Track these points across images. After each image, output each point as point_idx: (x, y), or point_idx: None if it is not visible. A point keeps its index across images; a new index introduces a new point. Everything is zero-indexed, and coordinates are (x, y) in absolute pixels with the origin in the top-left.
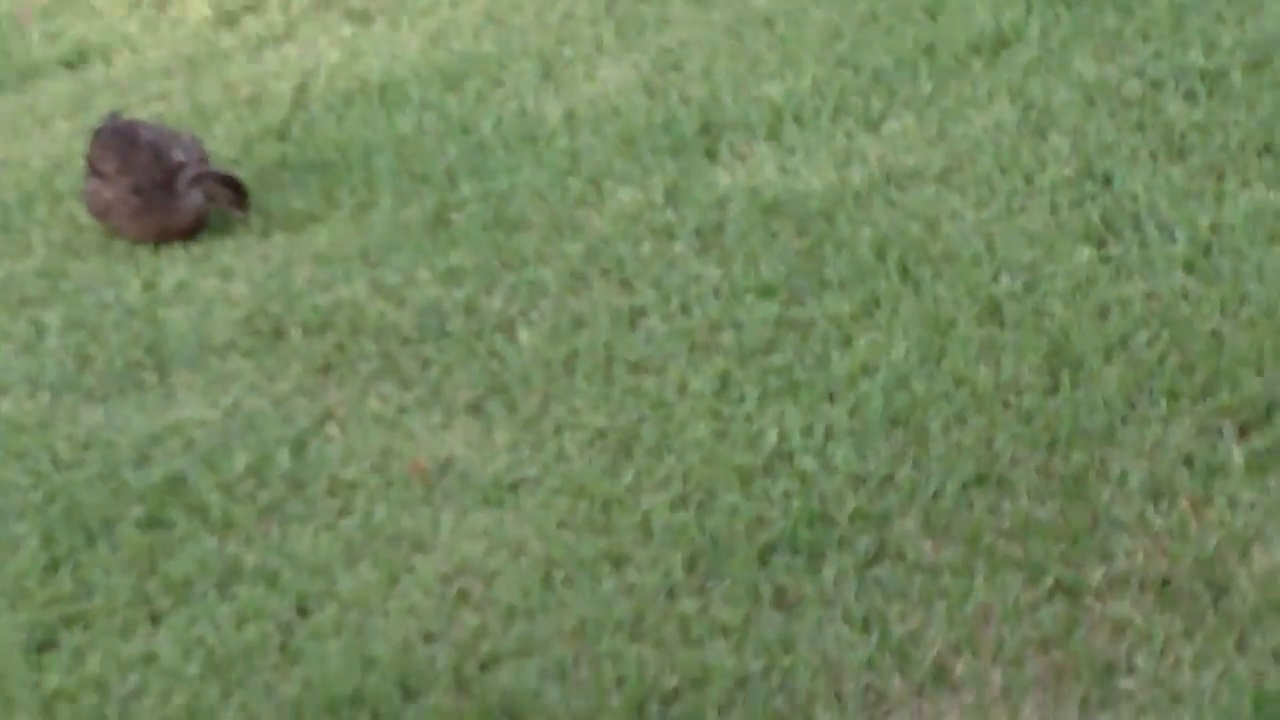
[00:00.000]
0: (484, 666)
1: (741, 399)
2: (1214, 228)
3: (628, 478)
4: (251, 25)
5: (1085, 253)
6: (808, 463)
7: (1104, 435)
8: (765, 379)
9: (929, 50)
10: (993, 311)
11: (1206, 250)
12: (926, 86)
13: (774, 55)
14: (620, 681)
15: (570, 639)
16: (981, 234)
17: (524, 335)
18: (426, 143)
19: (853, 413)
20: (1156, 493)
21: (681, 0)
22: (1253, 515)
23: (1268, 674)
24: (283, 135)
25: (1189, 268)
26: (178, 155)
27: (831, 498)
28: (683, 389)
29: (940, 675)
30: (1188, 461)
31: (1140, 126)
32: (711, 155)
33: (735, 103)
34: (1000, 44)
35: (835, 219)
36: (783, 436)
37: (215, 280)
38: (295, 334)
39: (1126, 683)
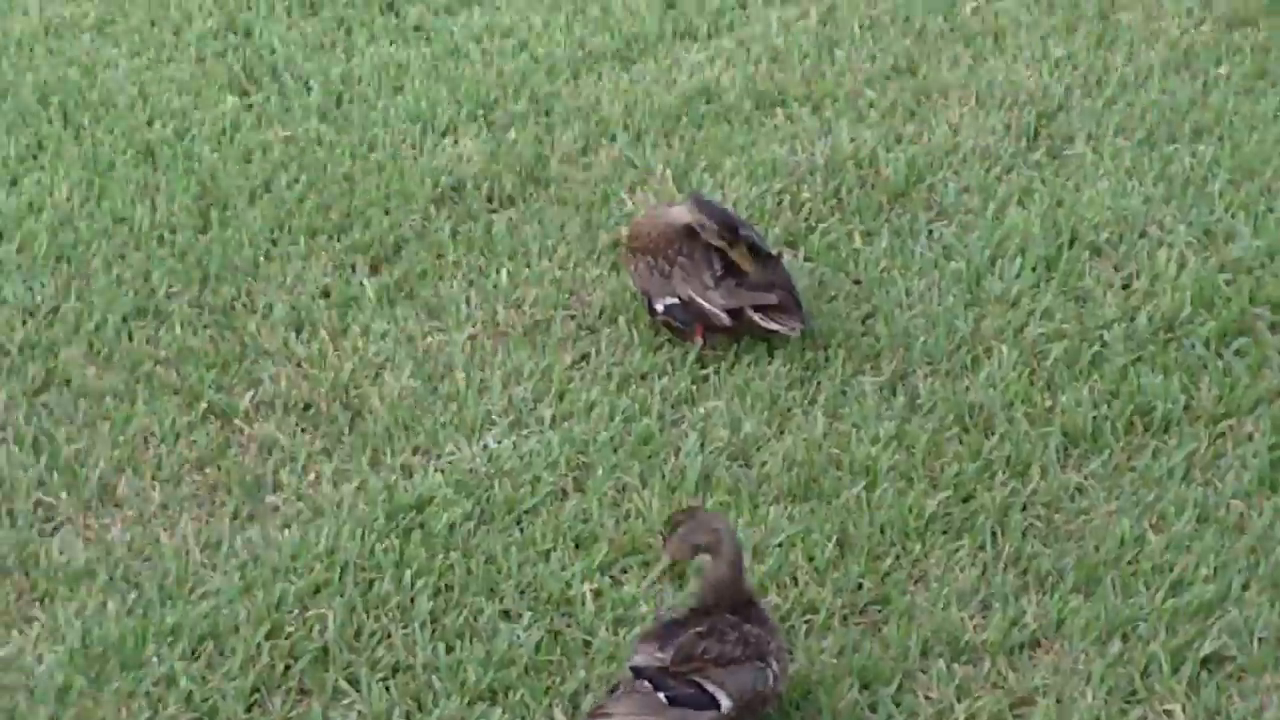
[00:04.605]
0: None
1: None
2: (344, 78)
3: None
4: None
5: (230, 101)
6: None
7: (250, 270)
8: None
9: None
10: (147, 155)
11: (338, 100)
12: None
13: None
14: None
15: None
16: (135, 82)
17: None
18: None
19: (21, 249)
20: (299, 323)
21: None
22: (384, 344)
23: (398, 486)
24: None
25: (323, 116)
26: None
27: (2, 328)
28: None
29: (106, 492)
30: (325, 294)
31: None
32: None
33: None
34: None
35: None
36: None
37: None
38: None
39: (273, 498)
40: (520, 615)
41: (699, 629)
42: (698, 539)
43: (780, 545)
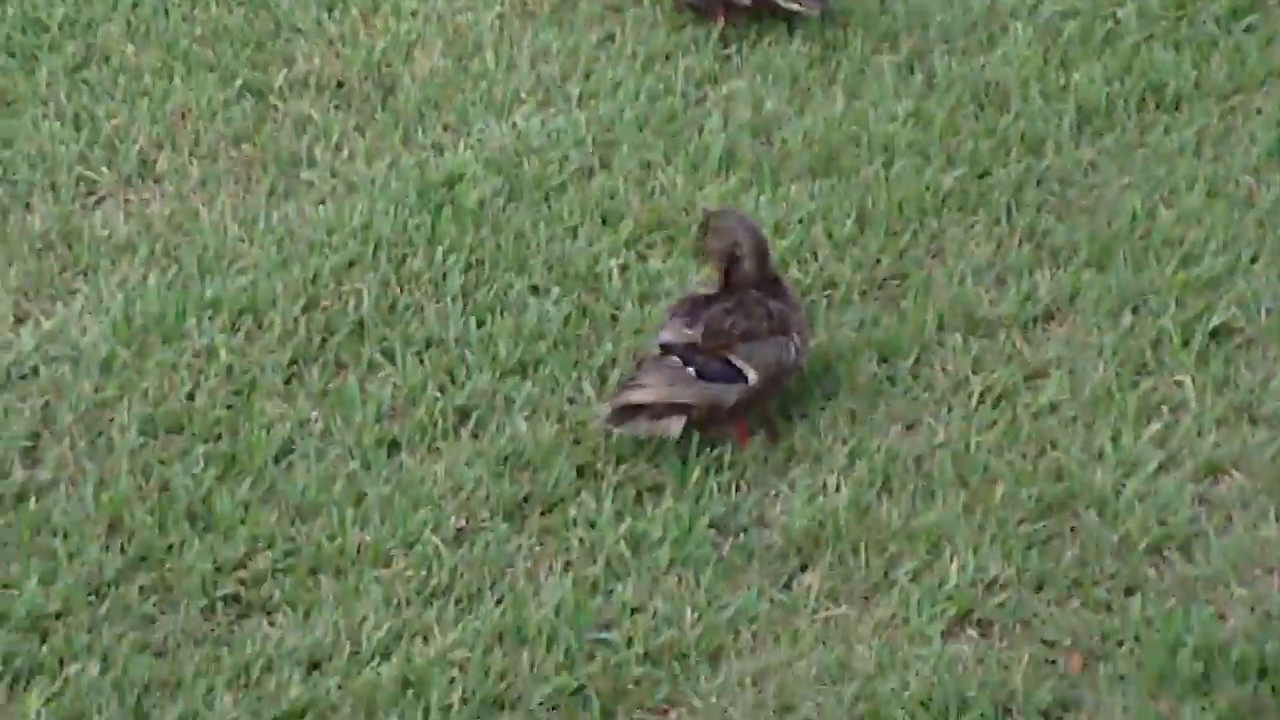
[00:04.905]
0: None
1: None
2: None
3: None
4: None
5: None
6: None
7: None
8: None
9: None
10: None
11: None
12: None
13: None
14: None
15: None
16: None
17: None
18: None
19: None
20: (331, 2)
21: None
22: (414, 22)
23: (429, 163)
24: None
25: None
26: None
27: (42, 5)
28: None
29: (145, 167)
30: None
31: None
32: None
33: None
34: None
35: None
36: None
37: None
38: None
39: (308, 174)
40: (549, 290)
41: (726, 305)
42: (721, 242)
43: (801, 222)
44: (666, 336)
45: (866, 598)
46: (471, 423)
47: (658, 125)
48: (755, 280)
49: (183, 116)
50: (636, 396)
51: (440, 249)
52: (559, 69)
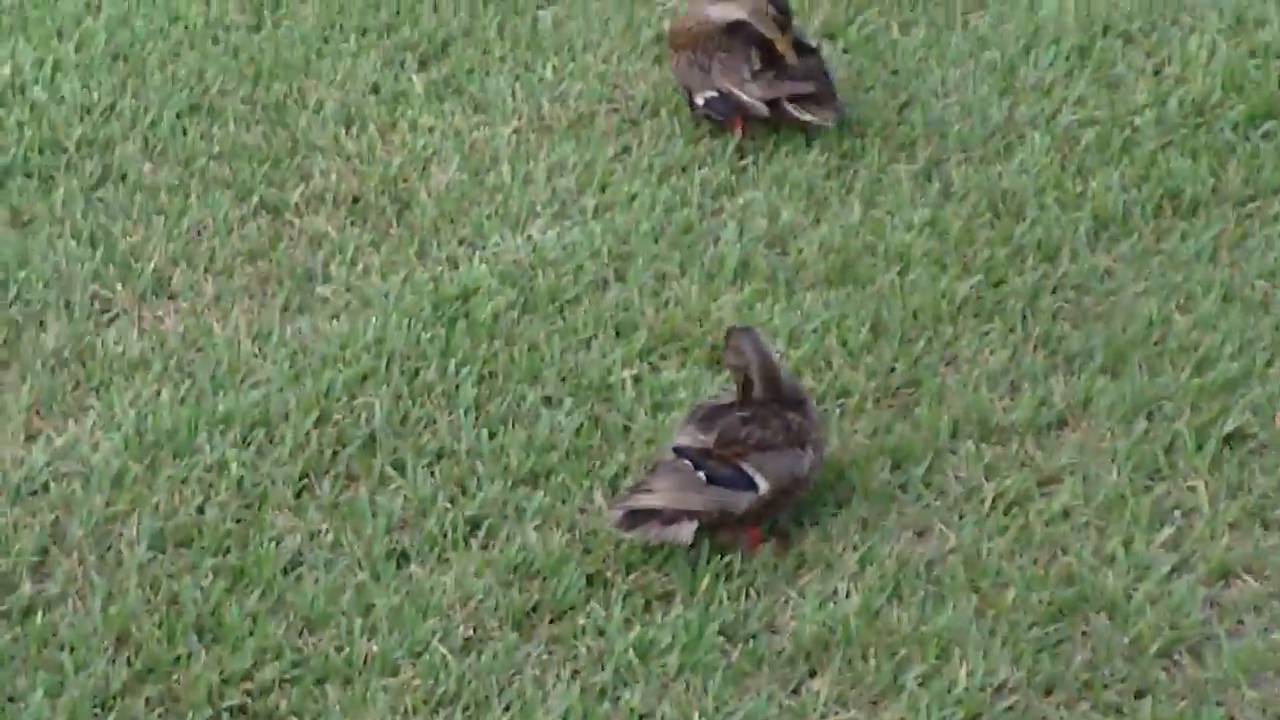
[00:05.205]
0: None
1: None
2: None
3: None
4: None
5: None
6: (38, 94)
7: (302, 67)
8: None
9: None
10: None
11: None
12: None
13: None
14: None
15: None
16: None
17: None
18: None
19: (79, 48)
20: (349, 119)
21: None
22: (431, 138)
23: (444, 277)
24: None
25: None
26: None
27: (60, 126)
28: None
29: (160, 284)
30: (375, 90)
31: None
32: None
33: None
34: None
35: None
36: (16, 70)
37: None
38: None
39: (323, 289)
40: (561, 401)
41: (743, 414)
42: (737, 360)
43: (815, 330)
44: (681, 440)
45: (875, 703)
46: (482, 533)
47: (673, 237)
48: (769, 400)
49: (198, 233)
50: (644, 501)
51: (453, 361)
52: (575, 182)
